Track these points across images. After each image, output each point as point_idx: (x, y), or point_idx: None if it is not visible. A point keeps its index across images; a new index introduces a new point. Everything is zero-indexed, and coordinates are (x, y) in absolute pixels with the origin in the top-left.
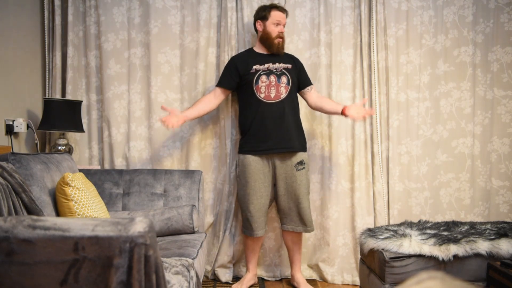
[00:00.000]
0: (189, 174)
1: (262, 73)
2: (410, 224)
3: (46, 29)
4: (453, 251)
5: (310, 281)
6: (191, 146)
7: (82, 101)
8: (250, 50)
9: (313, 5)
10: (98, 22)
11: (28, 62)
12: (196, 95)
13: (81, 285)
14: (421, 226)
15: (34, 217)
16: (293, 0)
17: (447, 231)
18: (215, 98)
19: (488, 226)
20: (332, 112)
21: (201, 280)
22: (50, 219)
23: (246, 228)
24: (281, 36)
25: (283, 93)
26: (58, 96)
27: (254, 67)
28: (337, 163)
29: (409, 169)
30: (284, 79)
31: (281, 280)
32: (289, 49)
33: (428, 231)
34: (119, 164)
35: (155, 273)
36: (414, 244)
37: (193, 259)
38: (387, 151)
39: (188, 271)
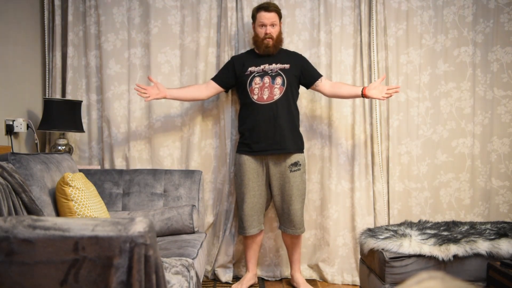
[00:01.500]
0: (189, 174)
1: (256, 74)
2: (410, 224)
3: (46, 29)
4: (453, 251)
5: (310, 281)
6: (191, 146)
7: (82, 101)
8: (251, 51)
9: (313, 5)
10: (98, 22)
11: (28, 62)
12: None
13: (81, 285)
14: (421, 226)
15: (34, 217)
16: (293, 0)
17: (447, 231)
18: (206, 89)
19: (488, 226)
20: (350, 96)
21: (201, 280)
22: (50, 219)
23: (239, 227)
24: (269, 37)
25: (277, 94)
26: (58, 96)
27: (250, 69)
28: (337, 163)
29: (409, 169)
30: (278, 80)
31: (281, 280)
32: (289, 49)
33: (428, 231)
34: (119, 164)
35: (155, 273)
36: (414, 244)
37: (193, 259)
38: (387, 151)
39: (188, 271)
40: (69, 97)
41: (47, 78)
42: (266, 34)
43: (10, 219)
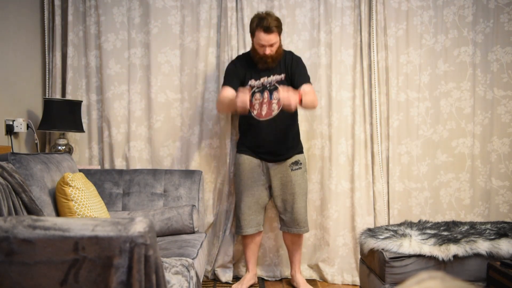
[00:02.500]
0: (189, 174)
1: (256, 90)
2: (410, 224)
3: (46, 29)
4: (453, 251)
5: (310, 281)
6: (191, 146)
7: (82, 101)
8: (249, 59)
9: (313, 5)
10: (98, 22)
11: (28, 62)
12: (196, 95)
13: (81, 285)
14: (421, 226)
15: (34, 217)
16: (293, 0)
17: (447, 231)
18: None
19: (488, 226)
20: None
21: (201, 280)
22: (50, 219)
23: (236, 226)
24: (267, 56)
25: (275, 109)
26: (58, 96)
27: (250, 83)
28: (337, 163)
29: (409, 169)
30: (276, 94)
31: (281, 280)
32: (289, 49)
33: (428, 231)
34: (119, 164)
35: (155, 273)
36: (414, 244)
37: (193, 259)
38: (387, 151)
39: (188, 271)
40: (69, 97)
41: (47, 78)
42: (265, 54)
43: (10, 219)
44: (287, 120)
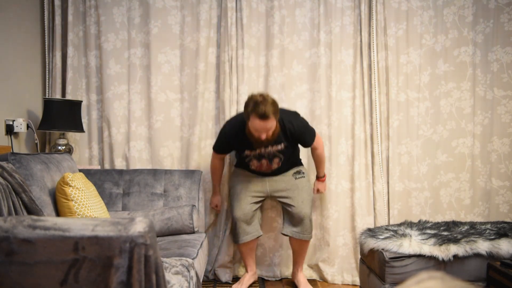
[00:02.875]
0: (189, 174)
1: (252, 157)
2: (410, 224)
3: (46, 29)
4: (453, 251)
5: (310, 281)
6: (191, 146)
7: (82, 101)
8: (242, 129)
9: (313, 5)
10: (98, 22)
11: (28, 62)
12: (196, 95)
13: (81, 285)
14: (421, 226)
15: (34, 217)
16: (293, 0)
17: (447, 231)
18: (221, 160)
19: (488, 226)
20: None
21: (201, 280)
22: (50, 219)
23: (233, 235)
24: (263, 140)
25: (275, 167)
26: (58, 96)
27: (246, 152)
28: (337, 163)
29: (409, 169)
30: (276, 160)
31: (281, 280)
32: (289, 49)
33: (428, 231)
34: (119, 164)
35: (155, 273)
36: (414, 244)
37: (193, 259)
38: (387, 151)
39: (188, 271)
40: (69, 97)
41: (47, 78)
42: (259, 138)
43: (10, 219)
44: (285, 165)
